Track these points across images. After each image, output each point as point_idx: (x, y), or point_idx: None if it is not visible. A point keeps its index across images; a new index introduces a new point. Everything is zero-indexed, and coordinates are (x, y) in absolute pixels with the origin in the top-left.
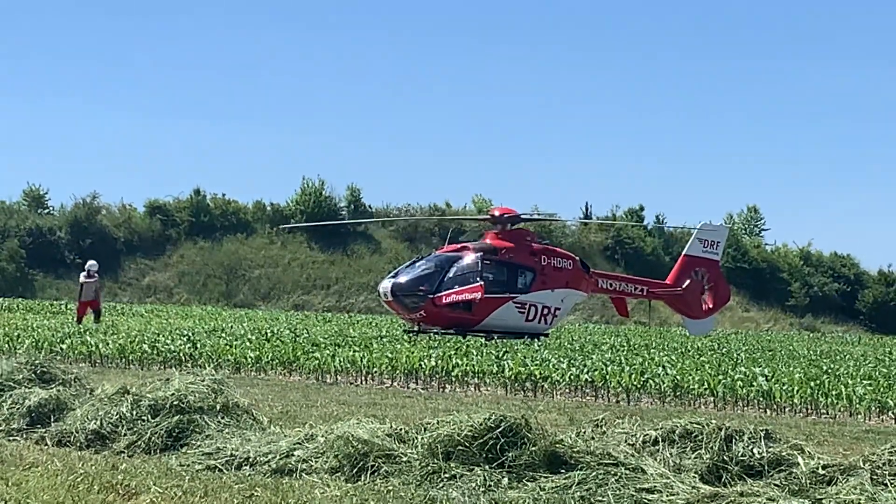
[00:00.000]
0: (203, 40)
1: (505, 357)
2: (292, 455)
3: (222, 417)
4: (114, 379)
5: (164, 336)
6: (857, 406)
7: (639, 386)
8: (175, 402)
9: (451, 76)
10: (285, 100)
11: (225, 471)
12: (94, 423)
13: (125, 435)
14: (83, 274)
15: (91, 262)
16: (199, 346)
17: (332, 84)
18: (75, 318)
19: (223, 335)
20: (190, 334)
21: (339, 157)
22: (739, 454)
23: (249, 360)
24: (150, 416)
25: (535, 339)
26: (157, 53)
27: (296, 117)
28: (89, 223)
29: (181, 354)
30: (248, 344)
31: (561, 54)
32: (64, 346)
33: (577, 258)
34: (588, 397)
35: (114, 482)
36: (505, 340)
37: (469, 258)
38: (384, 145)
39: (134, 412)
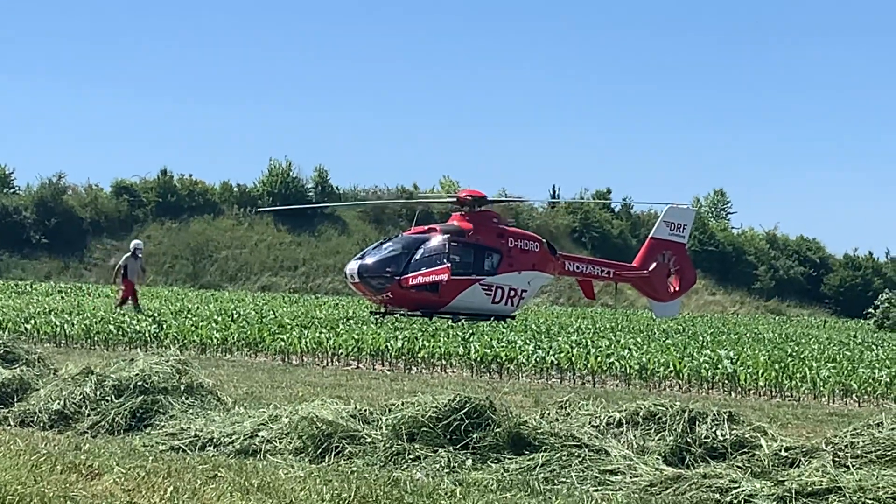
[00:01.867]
0: (170, 20)
1: (471, 339)
2: (256, 436)
3: (186, 398)
4: (78, 359)
5: (129, 317)
6: (821, 389)
7: (604, 368)
8: (139, 383)
9: (419, 58)
10: (252, 80)
11: (189, 451)
12: (58, 404)
13: (89, 415)
14: (127, 254)
15: (137, 241)
16: (164, 326)
17: (300, 65)
18: (118, 301)
19: (189, 316)
20: (156, 315)
21: (306, 138)
22: (703, 436)
23: (215, 340)
24: (113, 397)
25: (502, 321)
26: (124, 33)
27: (263, 98)
28: (55, 203)
29: (147, 335)
30: (213, 325)
31: (528, 36)
32: (28, 326)
33: (544, 240)
34: (554, 379)
35: (77, 462)
36: (471, 322)
37: (436, 240)
38: (352, 126)
39: (98, 392)
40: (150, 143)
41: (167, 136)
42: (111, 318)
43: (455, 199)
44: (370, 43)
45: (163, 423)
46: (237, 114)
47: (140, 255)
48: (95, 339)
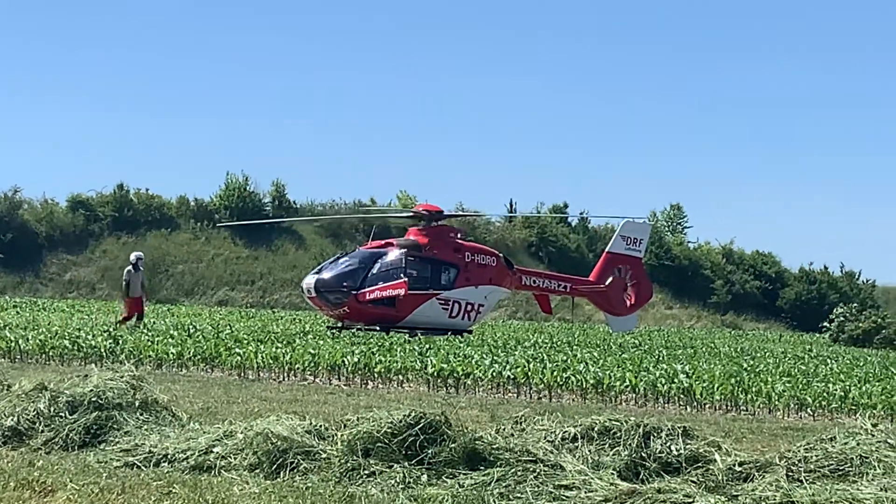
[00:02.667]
0: (126, 33)
1: (428, 353)
2: (211, 452)
3: (141, 414)
4: (32, 375)
5: (84, 331)
6: (776, 403)
7: (560, 382)
8: (93, 399)
9: (375, 72)
10: (209, 94)
11: (143, 468)
12: (11, 420)
13: (42, 431)
14: (129, 268)
15: (138, 253)
16: (120, 341)
17: (256, 79)
18: (121, 317)
19: (145, 331)
20: (111, 330)
21: (263, 152)
22: (657, 451)
23: (171, 355)
24: (68, 413)
25: (459, 336)
26: (80, 46)
27: (220, 112)
28: (10, 217)
29: (102, 350)
30: (169, 340)
31: (485, 51)
32: None
33: (501, 255)
34: (510, 394)
35: (30, 479)
36: (428, 337)
37: (393, 255)
38: (309, 141)
39: (52, 408)
40: (106, 158)
41: (124, 150)
42: (66, 334)
43: (413, 214)
44: (326, 58)
45: (117, 440)
46: (194, 128)
47: (141, 268)
48: (50, 354)
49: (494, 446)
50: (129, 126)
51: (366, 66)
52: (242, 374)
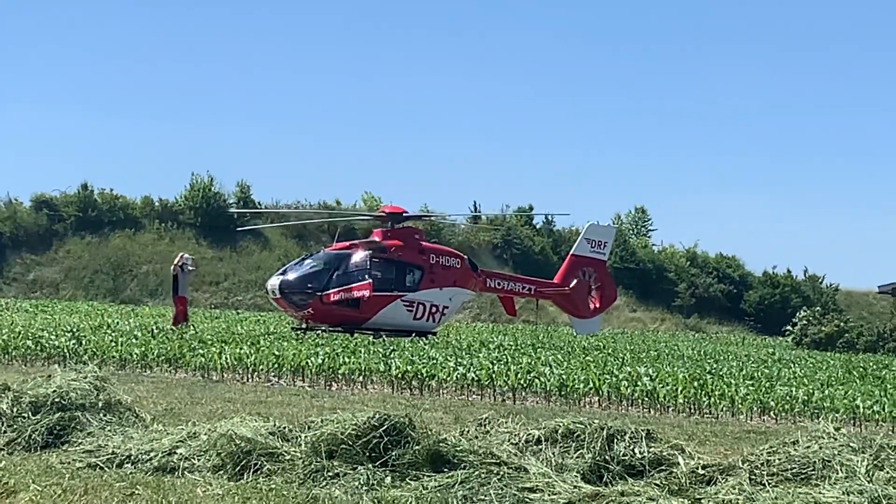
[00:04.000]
0: (91, 32)
1: (392, 355)
2: (175, 453)
3: (104, 415)
4: None
5: (48, 332)
6: (739, 406)
7: (525, 385)
8: (56, 400)
9: (340, 72)
10: (173, 94)
11: (106, 469)
12: None
13: (5, 432)
14: (176, 268)
15: (186, 255)
16: (83, 342)
17: (221, 79)
18: (173, 318)
19: (109, 331)
20: (75, 330)
21: (228, 153)
22: (621, 454)
23: (135, 356)
24: (30, 414)
25: (423, 338)
26: (43, 44)
27: (184, 112)
28: None
29: (65, 350)
30: (133, 340)
31: (448, 53)
32: None
33: (466, 257)
34: (474, 396)
35: None
36: (393, 338)
37: (358, 256)
38: (273, 142)
39: (14, 409)
40: (70, 158)
41: (88, 150)
42: (29, 334)
43: (378, 215)
44: (290, 58)
45: (80, 440)
46: (158, 128)
47: (191, 269)
48: (13, 354)
49: (458, 448)
50: (94, 126)
51: (330, 68)
52: (206, 376)
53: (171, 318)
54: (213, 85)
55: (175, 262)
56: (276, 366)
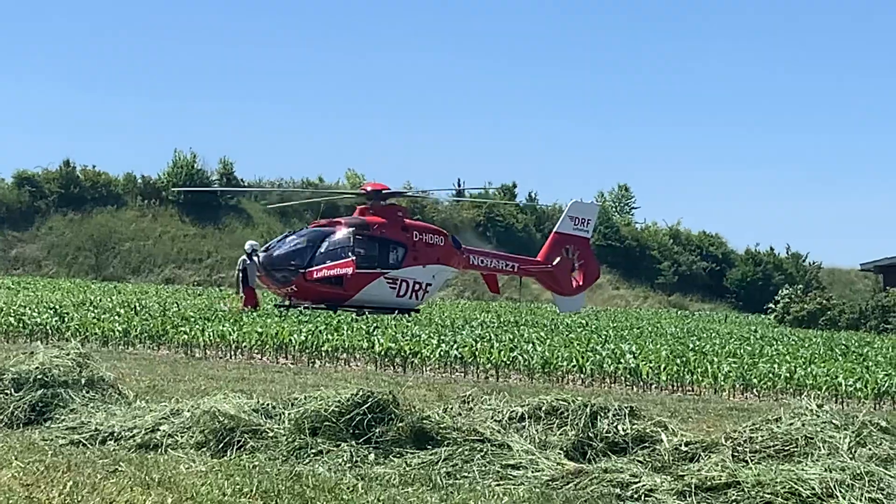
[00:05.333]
0: (72, 7)
1: (375, 332)
2: (158, 430)
3: (87, 391)
4: None
5: (30, 309)
6: (722, 383)
7: (508, 362)
8: (39, 376)
9: (323, 49)
10: (156, 70)
11: (89, 445)
12: None
13: None
14: (243, 258)
15: (253, 241)
16: (66, 319)
17: (203, 54)
18: (242, 305)
19: (91, 308)
20: (57, 307)
21: (211, 129)
22: (604, 431)
23: (117, 333)
24: (13, 390)
25: (406, 315)
26: (24, 18)
27: (167, 89)
28: None
29: (48, 327)
30: (116, 317)
31: (430, 30)
32: None
33: (449, 234)
34: (458, 373)
35: None
36: (376, 316)
37: (341, 233)
38: (256, 118)
39: None
40: (52, 134)
41: (70, 126)
42: (11, 311)
43: (361, 193)
44: (272, 33)
45: (63, 417)
46: (141, 104)
47: (256, 258)
48: None
49: (442, 425)
50: (77, 102)
51: (313, 44)
52: (189, 353)
53: (232, 305)
54: (196, 61)
55: (247, 249)
56: (259, 343)
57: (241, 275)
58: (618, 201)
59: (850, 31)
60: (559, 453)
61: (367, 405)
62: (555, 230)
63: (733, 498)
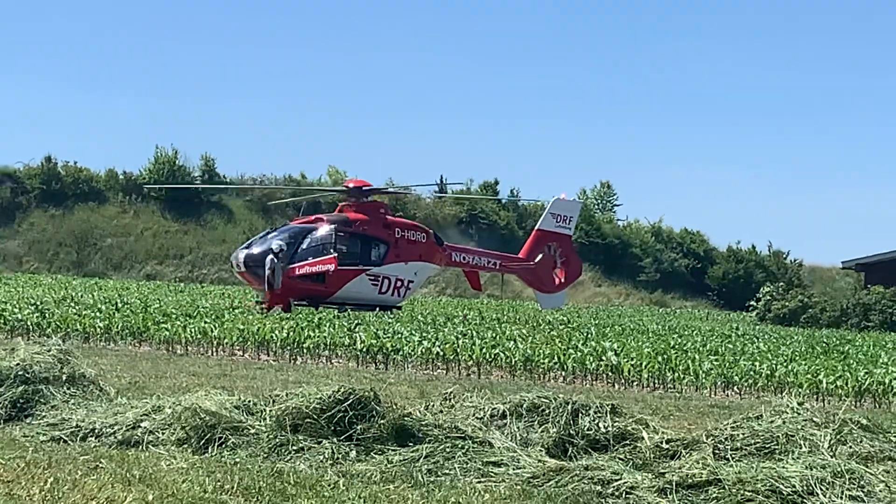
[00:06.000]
0: (55, 4)
1: (357, 329)
2: (139, 426)
3: (68, 388)
4: None
5: (11, 305)
6: (703, 381)
7: (490, 359)
8: (20, 373)
9: (306, 46)
10: (138, 66)
11: (70, 442)
12: None
13: None
14: (271, 257)
15: (280, 241)
16: (47, 314)
17: (185, 52)
18: (270, 307)
19: (72, 304)
20: (38, 303)
21: (192, 126)
22: (585, 428)
23: (98, 329)
24: None
25: (388, 312)
26: (8, 17)
27: (149, 85)
28: None
29: (29, 323)
30: (97, 314)
31: (413, 28)
32: None
33: (431, 231)
34: (439, 370)
35: None
36: (357, 313)
37: (323, 230)
38: (238, 115)
39: None
40: (34, 130)
41: (51, 122)
42: None
43: (343, 189)
44: (255, 31)
45: (44, 414)
46: (122, 101)
47: (284, 257)
48: None
49: (423, 423)
50: (59, 98)
51: (295, 41)
52: (171, 349)
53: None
54: (179, 58)
55: (274, 249)
56: (240, 339)
57: (270, 274)
58: (600, 198)
59: (833, 29)
60: (540, 451)
61: (348, 402)
62: (537, 227)
63: (714, 496)
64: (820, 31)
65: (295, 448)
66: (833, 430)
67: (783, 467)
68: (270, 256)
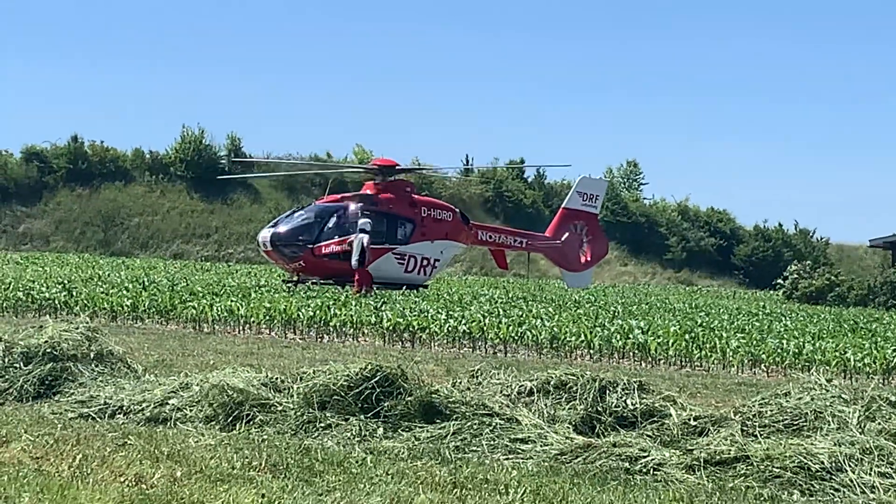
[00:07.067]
0: None
1: (383, 308)
2: (167, 404)
3: (96, 365)
4: None
5: (39, 284)
6: (731, 359)
7: (516, 337)
8: (48, 350)
9: (332, 24)
10: (165, 46)
11: (98, 419)
12: None
13: None
14: (361, 236)
15: (366, 219)
16: (74, 293)
17: (213, 31)
18: (362, 288)
19: (100, 283)
20: (66, 282)
21: (219, 105)
22: (613, 405)
23: (126, 308)
24: (22, 364)
25: (415, 290)
26: None
27: (176, 64)
28: None
29: (56, 302)
30: (124, 292)
31: (440, 5)
32: None
33: (457, 210)
34: (466, 348)
35: None
36: (384, 291)
37: (349, 209)
38: (265, 94)
39: (6, 360)
40: (60, 109)
41: (78, 101)
42: (20, 286)
43: (369, 168)
44: (281, 8)
45: (72, 391)
46: (149, 80)
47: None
48: (4, 305)
49: (451, 400)
50: (85, 77)
51: (322, 20)
52: (198, 327)
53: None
54: (205, 37)
55: (363, 227)
56: (267, 318)
57: (360, 252)
58: (626, 177)
59: (860, 7)
60: (568, 427)
61: (375, 379)
62: (563, 206)
63: (742, 472)
64: (844, 4)
65: (322, 425)
66: (861, 406)
67: (812, 444)
68: (361, 235)
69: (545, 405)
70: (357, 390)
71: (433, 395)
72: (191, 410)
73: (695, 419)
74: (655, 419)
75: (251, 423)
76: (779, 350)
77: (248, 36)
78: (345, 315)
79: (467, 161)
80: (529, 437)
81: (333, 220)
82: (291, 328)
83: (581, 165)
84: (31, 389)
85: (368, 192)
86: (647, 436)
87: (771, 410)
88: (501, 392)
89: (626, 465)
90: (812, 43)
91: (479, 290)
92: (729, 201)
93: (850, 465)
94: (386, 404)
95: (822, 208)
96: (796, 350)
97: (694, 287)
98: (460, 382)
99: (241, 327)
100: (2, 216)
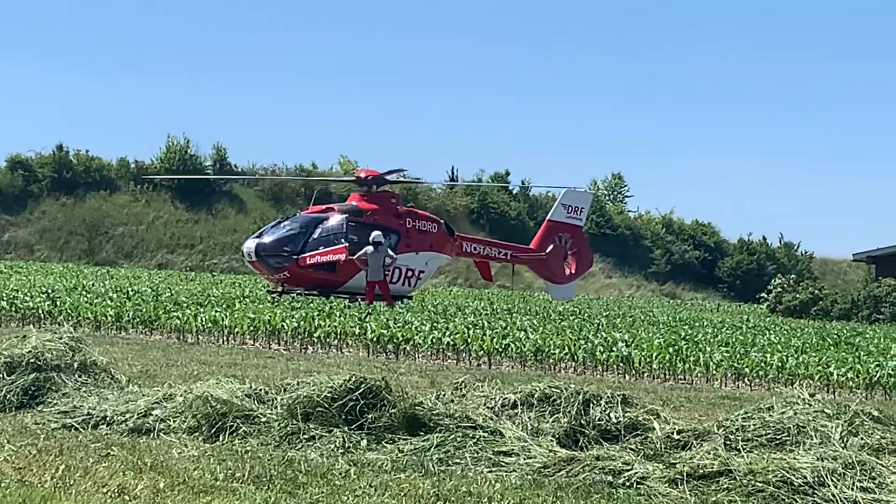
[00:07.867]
0: None
1: (368, 319)
2: (150, 414)
3: (80, 376)
4: None
5: (22, 293)
6: (714, 372)
7: (500, 350)
8: (31, 360)
9: (318, 35)
10: (150, 55)
11: (81, 430)
12: None
13: None
14: (368, 248)
15: (378, 232)
16: (58, 303)
17: (199, 41)
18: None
19: (84, 293)
20: (49, 291)
21: (204, 115)
22: (596, 418)
23: (110, 318)
24: (5, 374)
25: (399, 302)
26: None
27: (162, 73)
28: None
29: (40, 311)
30: (108, 302)
31: (425, 15)
32: None
33: (442, 221)
34: (450, 360)
35: None
36: (368, 302)
37: (334, 220)
38: (250, 104)
39: None
40: (45, 118)
41: (63, 110)
42: (3, 295)
43: (354, 179)
44: (267, 18)
45: (55, 401)
46: (135, 89)
47: (381, 247)
48: None
49: (434, 412)
50: (70, 86)
51: (308, 30)
52: (181, 338)
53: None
54: (191, 46)
55: (375, 239)
56: (251, 328)
57: (376, 264)
58: (611, 190)
59: (843, 19)
60: (551, 440)
61: (359, 391)
62: (548, 218)
63: (725, 486)
64: (828, 21)
65: (306, 437)
66: (844, 421)
67: (794, 458)
68: (382, 245)
69: (529, 418)
70: (341, 402)
71: (417, 408)
72: (174, 421)
73: (678, 433)
74: (639, 432)
75: (235, 434)
76: (762, 364)
77: (234, 46)
78: (329, 326)
79: (452, 172)
80: (513, 449)
81: (318, 230)
82: (276, 339)
83: (566, 178)
84: (14, 399)
85: (354, 203)
86: (631, 449)
87: (754, 424)
88: (485, 404)
89: (610, 478)
90: (796, 56)
91: (464, 302)
92: (713, 214)
93: (832, 480)
94: (370, 416)
95: (807, 222)
96: (779, 364)
97: (678, 300)
98: (444, 394)
99: (225, 338)
100: None
